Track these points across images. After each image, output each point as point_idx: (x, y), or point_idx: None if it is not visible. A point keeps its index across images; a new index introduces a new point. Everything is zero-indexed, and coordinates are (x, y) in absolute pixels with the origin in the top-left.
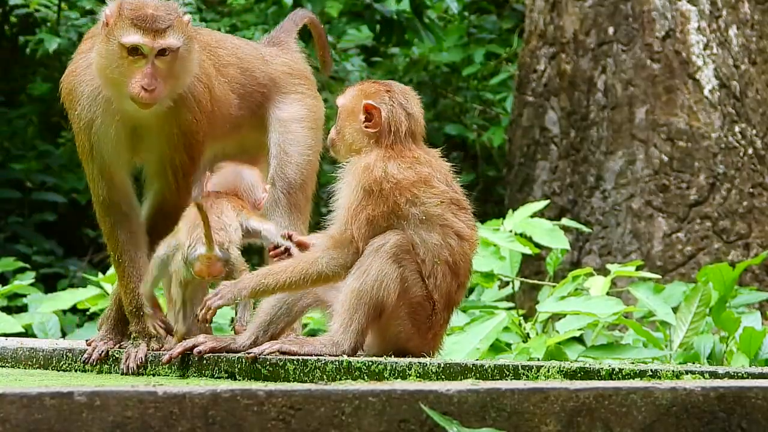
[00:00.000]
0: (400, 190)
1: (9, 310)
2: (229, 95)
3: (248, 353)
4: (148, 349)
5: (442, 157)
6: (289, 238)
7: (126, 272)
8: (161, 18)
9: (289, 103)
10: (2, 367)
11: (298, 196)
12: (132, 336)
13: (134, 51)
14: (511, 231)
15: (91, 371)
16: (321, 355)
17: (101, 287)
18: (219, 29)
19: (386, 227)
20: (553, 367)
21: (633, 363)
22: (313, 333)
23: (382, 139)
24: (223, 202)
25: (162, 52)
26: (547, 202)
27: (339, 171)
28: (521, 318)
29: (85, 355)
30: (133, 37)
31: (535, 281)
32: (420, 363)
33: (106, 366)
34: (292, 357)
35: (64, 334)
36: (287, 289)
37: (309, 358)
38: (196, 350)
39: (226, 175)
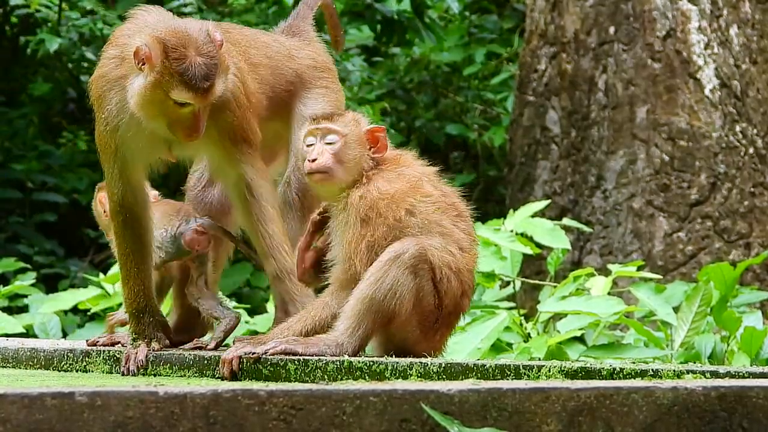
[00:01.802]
0: (397, 203)
1: (10, 311)
2: (260, 97)
3: (251, 353)
4: (149, 350)
5: (450, 168)
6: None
7: (131, 272)
8: (209, 73)
9: (313, 98)
10: (3, 367)
11: (312, 200)
12: (132, 337)
13: (184, 104)
14: (512, 231)
15: (93, 371)
16: (323, 356)
17: (102, 287)
18: None
19: (389, 244)
20: (554, 367)
21: (634, 363)
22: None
23: (383, 159)
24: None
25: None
26: (548, 201)
27: (332, 209)
28: (522, 318)
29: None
30: (183, 95)
31: (536, 281)
32: (421, 363)
33: (107, 366)
34: (294, 357)
35: (65, 335)
36: (314, 332)
37: (310, 358)
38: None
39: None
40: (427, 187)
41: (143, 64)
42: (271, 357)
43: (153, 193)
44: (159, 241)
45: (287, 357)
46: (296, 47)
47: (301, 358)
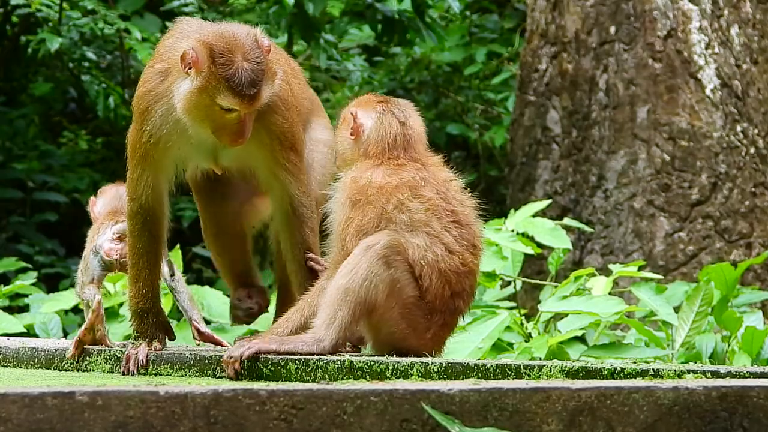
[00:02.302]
0: (386, 195)
1: (11, 310)
2: (303, 103)
3: (230, 357)
4: (150, 350)
5: (451, 168)
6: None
7: (142, 273)
8: (256, 79)
9: (321, 126)
10: (4, 367)
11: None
12: (134, 336)
13: (229, 110)
14: (512, 230)
15: (94, 371)
16: (301, 354)
17: (103, 287)
18: None
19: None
20: (555, 367)
21: (635, 362)
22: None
23: (370, 149)
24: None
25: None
26: (548, 201)
27: (331, 189)
28: (523, 318)
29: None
30: (230, 101)
31: (537, 281)
32: (422, 363)
33: (107, 366)
34: (294, 357)
35: (65, 334)
36: (313, 317)
37: (311, 357)
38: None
39: (109, 196)
40: (424, 190)
41: (189, 68)
42: (272, 357)
43: None
44: (88, 260)
45: (287, 357)
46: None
47: (302, 357)
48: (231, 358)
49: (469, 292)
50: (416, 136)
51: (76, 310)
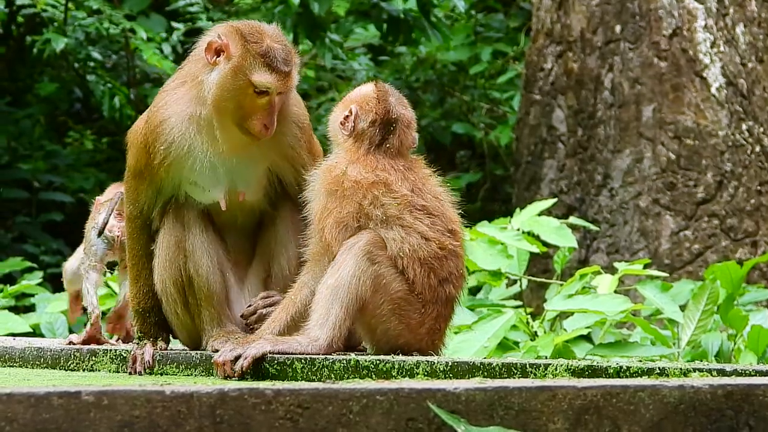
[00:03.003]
0: (362, 191)
1: (17, 310)
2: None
3: (223, 361)
4: (155, 349)
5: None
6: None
7: (141, 274)
8: (288, 59)
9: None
10: (10, 366)
11: None
12: (137, 336)
13: (263, 91)
14: (518, 229)
15: (100, 371)
16: (295, 353)
17: (109, 287)
18: None
19: (358, 228)
20: (561, 365)
21: (641, 361)
22: None
23: (354, 142)
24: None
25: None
26: (554, 200)
27: (310, 176)
28: (529, 316)
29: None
30: (265, 78)
31: (543, 279)
32: (428, 362)
33: (113, 365)
34: (277, 355)
35: (71, 334)
36: (300, 314)
37: (317, 357)
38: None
39: (112, 194)
40: (398, 186)
41: (217, 56)
42: (278, 356)
43: None
44: (91, 242)
45: (293, 356)
46: None
47: (308, 356)
48: (224, 361)
49: (457, 275)
50: (406, 142)
51: (82, 309)
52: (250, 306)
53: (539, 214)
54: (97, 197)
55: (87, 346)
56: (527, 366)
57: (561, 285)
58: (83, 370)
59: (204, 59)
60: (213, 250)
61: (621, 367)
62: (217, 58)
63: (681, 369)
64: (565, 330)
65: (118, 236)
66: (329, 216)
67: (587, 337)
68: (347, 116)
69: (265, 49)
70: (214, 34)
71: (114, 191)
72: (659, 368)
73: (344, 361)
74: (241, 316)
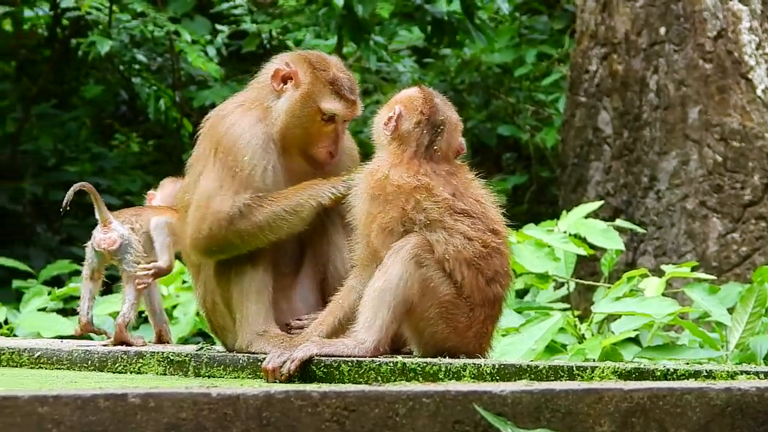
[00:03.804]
0: (404, 196)
1: (65, 313)
2: None
3: (272, 368)
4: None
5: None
6: None
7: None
8: (354, 88)
9: None
10: (58, 369)
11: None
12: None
13: (330, 118)
14: (565, 232)
15: (147, 373)
16: (342, 356)
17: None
18: (270, 31)
19: (404, 232)
20: (608, 368)
21: (688, 364)
22: None
23: (398, 145)
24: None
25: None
26: (601, 202)
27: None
28: (576, 319)
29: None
30: (334, 105)
31: (590, 282)
32: (474, 364)
33: (160, 368)
34: (324, 358)
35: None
36: (347, 319)
37: (364, 359)
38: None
39: (167, 191)
40: (439, 190)
41: (284, 84)
42: (324, 359)
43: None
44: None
45: (339, 358)
46: None
47: (354, 359)
48: (272, 367)
49: (503, 273)
50: (452, 148)
51: None
52: (300, 320)
53: (586, 217)
54: (150, 191)
55: (134, 348)
56: (574, 368)
57: (608, 288)
58: (130, 373)
59: (270, 86)
60: (264, 253)
61: (668, 370)
62: (284, 86)
63: (728, 371)
64: (612, 333)
65: (104, 249)
66: (374, 221)
67: (635, 340)
68: (390, 117)
69: (333, 77)
70: (280, 62)
71: (169, 185)
72: (706, 371)
73: (391, 364)
74: (287, 325)
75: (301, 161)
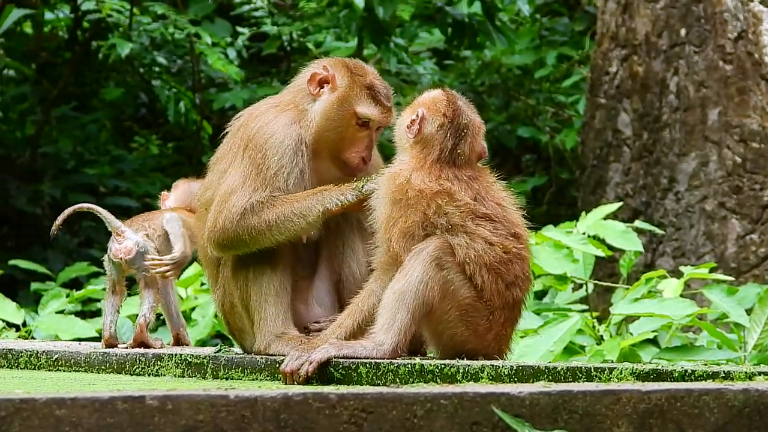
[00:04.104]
0: (425, 200)
1: (83, 315)
2: None
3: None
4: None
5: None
6: None
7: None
8: (389, 95)
9: None
10: (76, 371)
11: None
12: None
13: (365, 123)
14: (584, 233)
15: (165, 375)
16: (360, 358)
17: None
18: (290, 34)
19: (424, 236)
20: (626, 369)
21: (706, 365)
22: None
23: (421, 149)
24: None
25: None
26: (620, 204)
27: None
28: (595, 320)
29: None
30: (370, 109)
31: (609, 283)
32: (492, 366)
33: (179, 370)
34: (342, 359)
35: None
36: (366, 322)
37: (381, 361)
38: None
39: (180, 191)
40: (461, 194)
41: (320, 88)
42: (342, 360)
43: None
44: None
45: (357, 360)
46: None
47: (372, 360)
48: (291, 370)
49: (523, 278)
50: (474, 153)
51: None
52: (317, 323)
53: (605, 218)
54: (163, 192)
55: (152, 351)
56: (592, 370)
57: (627, 289)
58: (148, 375)
59: (306, 90)
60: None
61: (686, 371)
62: (321, 90)
63: (746, 372)
64: (631, 334)
65: (121, 258)
66: (395, 226)
67: (653, 341)
68: (413, 120)
69: (370, 83)
70: (317, 66)
71: (183, 186)
72: (724, 372)
73: (409, 366)
74: (305, 328)
75: (330, 166)
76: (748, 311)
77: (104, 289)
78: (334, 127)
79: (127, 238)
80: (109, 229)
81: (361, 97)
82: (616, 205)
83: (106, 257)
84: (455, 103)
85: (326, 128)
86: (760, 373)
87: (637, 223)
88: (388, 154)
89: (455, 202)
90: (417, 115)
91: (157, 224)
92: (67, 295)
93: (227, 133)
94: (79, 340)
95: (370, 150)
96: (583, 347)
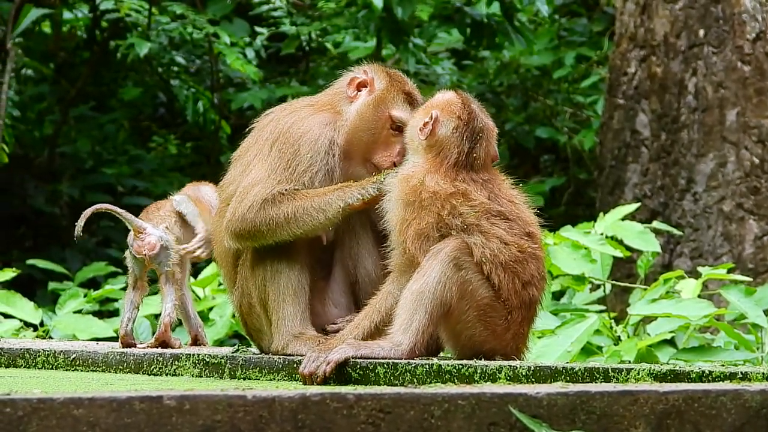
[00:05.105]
0: (440, 201)
1: (101, 315)
2: None
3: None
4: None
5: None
6: None
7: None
8: (421, 99)
9: None
10: (93, 371)
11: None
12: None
13: (399, 127)
14: (602, 234)
15: (183, 375)
16: (378, 358)
17: (192, 291)
18: (309, 34)
19: (440, 237)
20: (644, 370)
21: (723, 365)
22: None
23: (436, 152)
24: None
25: None
26: (638, 204)
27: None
28: (612, 321)
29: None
30: (406, 115)
31: (627, 284)
32: (510, 366)
33: (196, 370)
34: (360, 359)
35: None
36: (383, 323)
37: (399, 361)
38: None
39: (187, 188)
40: (475, 194)
41: (359, 91)
42: (360, 361)
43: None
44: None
45: (372, 360)
46: None
47: (390, 361)
48: (309, 372)
49: (539, 277)
50: (488, 157)
51: None
52: (335, 324)
53: (623, 219)
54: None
55: (170, 351)
56: (609, 370)
57: (644, 289)
58: (166, 375)
59: (344, 92)
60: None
61: (703, 372)
62: (358, 93)
63: (763, 373)
64: (648, 334)
65: (145, 254)
66: (409, 228)
67: (671, 342)
68: (427, 122)
69: (408, 89)
70: (357, 70)
71: (191, 186)
72: (741, 373)
73: (427, 366)
74: (322, 329)
75: (361, 169)
76: (766, 312)
77: (122, 289)
78: (368, 128)
79: (150, 233)
80: (130, 228)
81: (397, 101)
82: (634, 206)
83: (127, 253)
84: (470, 106)
85: (360, 129)
86: None
87: (655, 224)
88: None
89: (470, 201)
90: (431, 117)
91: (169, 210)
92: (85, 295)
93: (253, 128)
94: (97, 339)
95: (402, 155)
96: (600, 348)
